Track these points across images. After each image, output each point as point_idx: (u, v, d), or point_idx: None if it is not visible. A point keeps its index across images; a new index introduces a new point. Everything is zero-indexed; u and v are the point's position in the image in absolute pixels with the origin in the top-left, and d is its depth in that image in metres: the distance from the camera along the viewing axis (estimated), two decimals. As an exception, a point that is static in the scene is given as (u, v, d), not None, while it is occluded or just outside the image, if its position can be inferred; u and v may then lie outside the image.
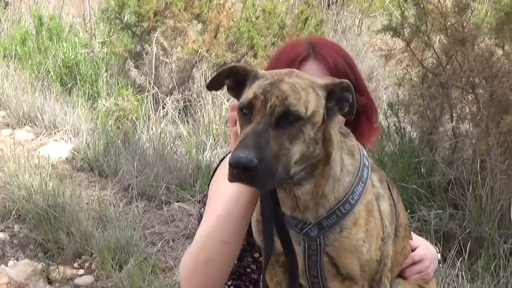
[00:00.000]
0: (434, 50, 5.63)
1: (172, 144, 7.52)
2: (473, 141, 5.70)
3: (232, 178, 2.14)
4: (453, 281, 4.75)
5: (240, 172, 2.09)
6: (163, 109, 8.20)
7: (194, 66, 8.68)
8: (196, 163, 6.92)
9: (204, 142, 7.57)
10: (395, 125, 6.21)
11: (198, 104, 8.11)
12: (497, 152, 5.27)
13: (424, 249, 3.05)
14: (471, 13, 5.60)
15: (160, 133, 7.54)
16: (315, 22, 8.66)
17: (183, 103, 8.46)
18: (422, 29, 5.71)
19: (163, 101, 8.32)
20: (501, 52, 5.54)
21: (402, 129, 6.16)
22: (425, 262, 2.99)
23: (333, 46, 3.07)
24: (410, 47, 5.94)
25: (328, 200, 2.42)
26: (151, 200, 6.50)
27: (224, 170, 2.70)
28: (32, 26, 11.22)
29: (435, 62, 5.96)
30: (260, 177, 2.11)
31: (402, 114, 6.28)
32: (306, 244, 2.51)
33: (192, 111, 8.27)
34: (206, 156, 7.21)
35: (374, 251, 2.52)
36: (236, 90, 2.40)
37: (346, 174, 2.45)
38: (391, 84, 8.24)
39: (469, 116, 5.82)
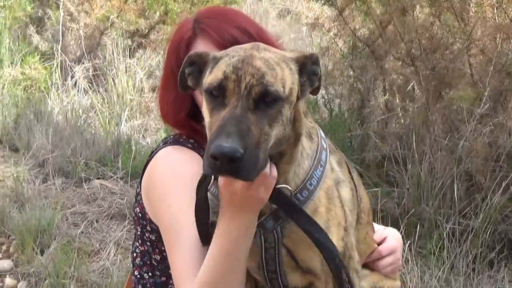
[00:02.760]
0: (374, 19, 5.48)
1: (85, 116, 7.16)
2: (409, 115, 5.63)
3: (214, 170, 1.99)
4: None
5: (224, 164, 1.93)
6: (72, 78, 7.82)
7: (103, 33, 8.43)
8: (115, 137, 6.65)
9: (119, 113, 7.27)
10: (323, 97, 6.07)
11: (111, 73, 7.78)
12: (439, 128, 5.19)
13: (394, 239, 2.95)
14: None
15: (73, 104, 7.16)
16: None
17: (93, 71, 8.13)
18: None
19: (71, 69, 7.99)
20: (438, 23, 5.47)
21: (331, 102, 6.04)
22: (396, 254, 2.89)
23: (220, 15, 2.89)
24: (342, 16, 5.78)
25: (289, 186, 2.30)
26: (69, 177, 6.24)
27: (174, 175, 2.69)
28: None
29: (367, 32, 5.87)
30: (245, 168, 1.98)
31: (329, 86, 6.18)
32: (263, 236, 2.36)
33: (104, 81, 7.96)
34: (122, 129, 6.95)
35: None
36: (196, 77, 2.24)
37: (305, 157, 2.33)
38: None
39: (406, 90, 5.72)
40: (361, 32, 5.91)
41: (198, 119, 2.56)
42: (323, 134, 2.49)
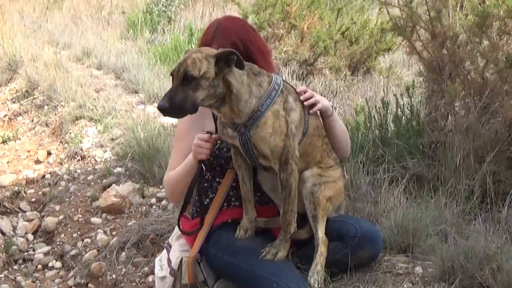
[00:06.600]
0: (423, 44, 6.99)
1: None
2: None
3: (161, 114, 3.29)
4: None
5: (161, 111, 3.22)
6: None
7: (286, 64, 10.38)
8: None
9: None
10: (408, 104, 7.52)
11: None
12: (459, 120, 6.53)
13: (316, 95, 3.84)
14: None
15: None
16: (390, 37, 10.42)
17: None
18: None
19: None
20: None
21: (412, 107, 7.42)
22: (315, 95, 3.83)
23: (231, 28, 3.96)
24: (410, 41, 7.19)
25: (244, 113, 3.42)
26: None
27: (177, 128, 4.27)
28: (186, 36, 13.52)
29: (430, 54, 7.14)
30: (172, 112, 3.24)
31: (416, 96, 7.66)
32: (241, 137, 3.51)
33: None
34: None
35: (278, 141, 3.48)
36: None
37: (253, 98, 3.43)
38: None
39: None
40: (425, 54, 7.10)
41: None
42: (279, 81, 3.56)
